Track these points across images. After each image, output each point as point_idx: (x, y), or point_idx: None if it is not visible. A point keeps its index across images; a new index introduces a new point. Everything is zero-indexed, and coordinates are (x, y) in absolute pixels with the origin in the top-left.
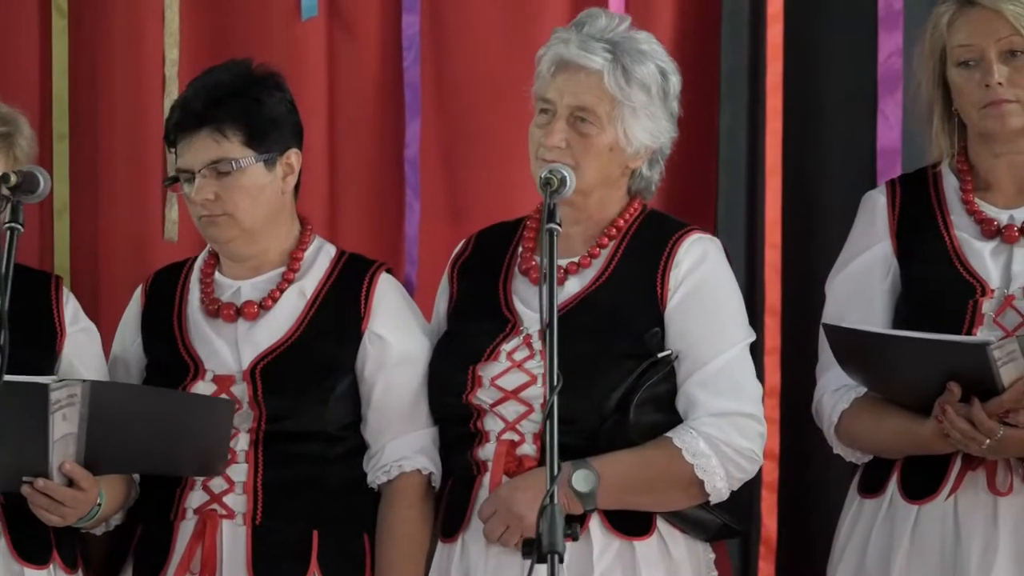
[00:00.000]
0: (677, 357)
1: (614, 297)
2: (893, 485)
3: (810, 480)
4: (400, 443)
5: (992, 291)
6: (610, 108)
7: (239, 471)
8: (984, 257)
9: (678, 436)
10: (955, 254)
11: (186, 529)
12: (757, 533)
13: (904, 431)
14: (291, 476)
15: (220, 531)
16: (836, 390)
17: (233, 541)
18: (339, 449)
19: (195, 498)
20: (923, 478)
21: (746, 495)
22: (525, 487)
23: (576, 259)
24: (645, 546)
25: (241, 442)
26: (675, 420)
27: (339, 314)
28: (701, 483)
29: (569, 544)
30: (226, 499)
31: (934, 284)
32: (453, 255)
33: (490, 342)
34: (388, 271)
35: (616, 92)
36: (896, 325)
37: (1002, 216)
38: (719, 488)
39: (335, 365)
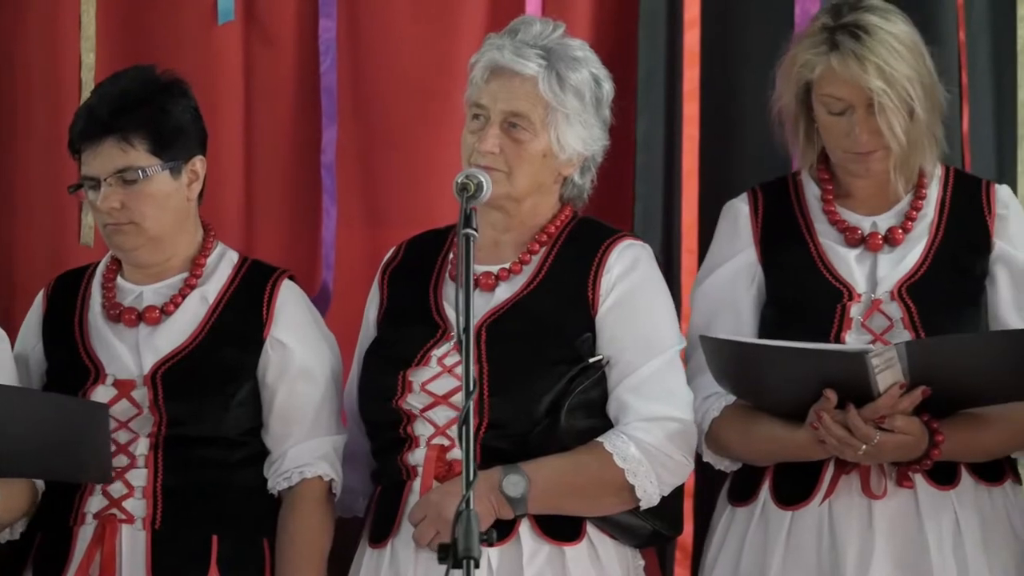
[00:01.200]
0: (608, 362)
1: (545, 303)
2: (765, 492)
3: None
4: (301, 449)
5: (859, 296)
6: (544, 114)
7: (139, 476)
8: (850, 263)
9: (609, 441)
10: (820, 260)
11: (85, 534)
12: (674, 539)
13: (776, 438)
14: (191, 481)
15: (120, 536)
16: (706, 398)
17: (132, 546)
18: (239, 454)
19: (95, 503)
20: (795, 484)
21: (678, 501)
22: (456, 492)
23: (507, 265)
24: (575, 551)
25: (141, 446)
26: (606, 425)
27: (241, 320)
28: (632, 488)
29: (499, 548)
30: (126, 504)
31: (801, 290)
32: (384, 261)
33: (421, 347)
34: (291, 278)
35: (550, 98)
36: (762, 332)
37: (864, 224)
38: (650, 493)
39: (236, 371)
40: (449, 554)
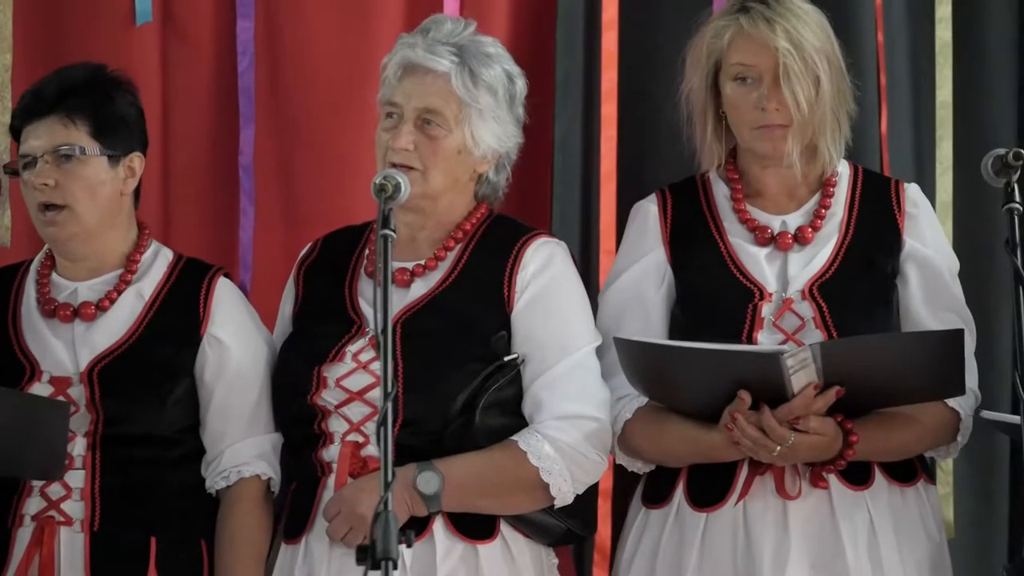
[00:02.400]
0: (523, 360)
1: (460, 300)
2: (679, 494)
3: None
4: (239, 448)
5: (770, 295)
6: (457, 110)
7: (76, 477)
8: (760, 262)
9: (523, 439)
10: (731, 260)
11: (23, 536)
12: (591, 540)
13: (690, 440)
14: (129, 482)
15: (58, 538)
16: (619, 399)
17: (71, 548)
18: (177, 453)
19: (32, 504)
20: (710, 486)
21: (592, 500)
22: (370, 488)
23: (422, 262)
24: (488, 549)
25: (78, 447)
26: (521, 423)
27: (177, 317)
28: (546, 486)
29: (413, 546)
30: (64, 506)
31: (712, 290)
32: (300, 257)
33: (336, 343)
34: (226, 275)
35: (463, 94)
36: (673, 332)
37: (774, 223)
38: (564, 492)
39: (173, 368)
40: (367, 555)
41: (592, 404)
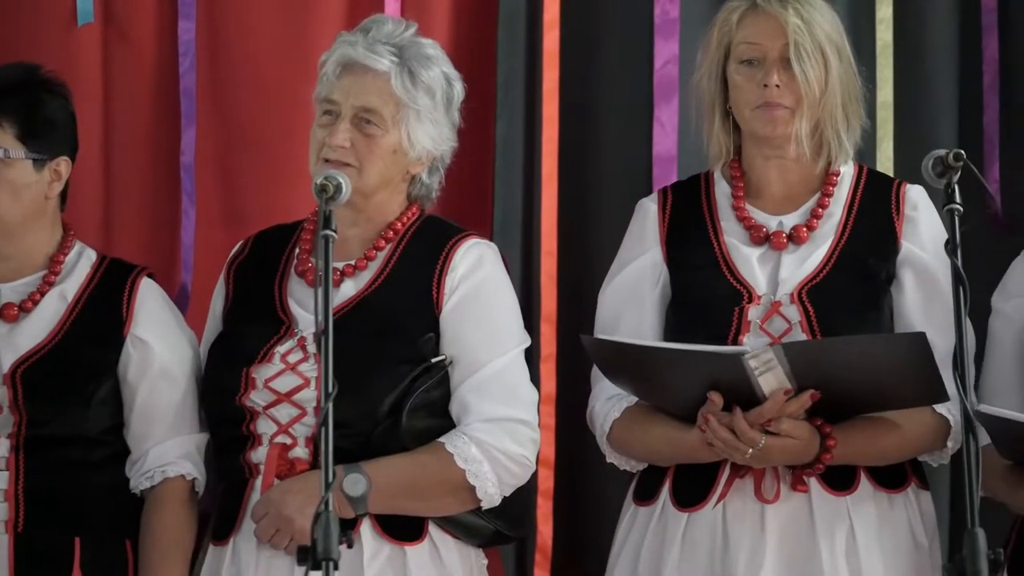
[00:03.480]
0: (451, 362)
1: (389, 301)
2: (665, 493)
3: (585, 487)
4: (163, 448)
5: (759, 297)
6: (395, 110)
7: (0, 478)
8: (752, 263)
9: (450, 441)
10: (723, 260)
11: None
12: (532, 540)
13: (672, 440)
14: (53, 482)
15: None
16: (609, 399)
17: None
18: (101, 454)
19: None
20: (693, 486)
21: (521, 501)
22: (296, 490)
23: (352, 261)
24: (416, 551)
25: (1, 448)
26: (448, 425)
27: (101, 318)
28: (473, 488)
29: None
30: None
31: (702, 291)
32: (230, 256)
33: (264, 344)
34: (150, 276)
35: (402, 94)
36: (666, 333)
37: (771, 222)
38: (491, 494)
39: (97, 369)
40: (308, 556)
41: (520, 406)
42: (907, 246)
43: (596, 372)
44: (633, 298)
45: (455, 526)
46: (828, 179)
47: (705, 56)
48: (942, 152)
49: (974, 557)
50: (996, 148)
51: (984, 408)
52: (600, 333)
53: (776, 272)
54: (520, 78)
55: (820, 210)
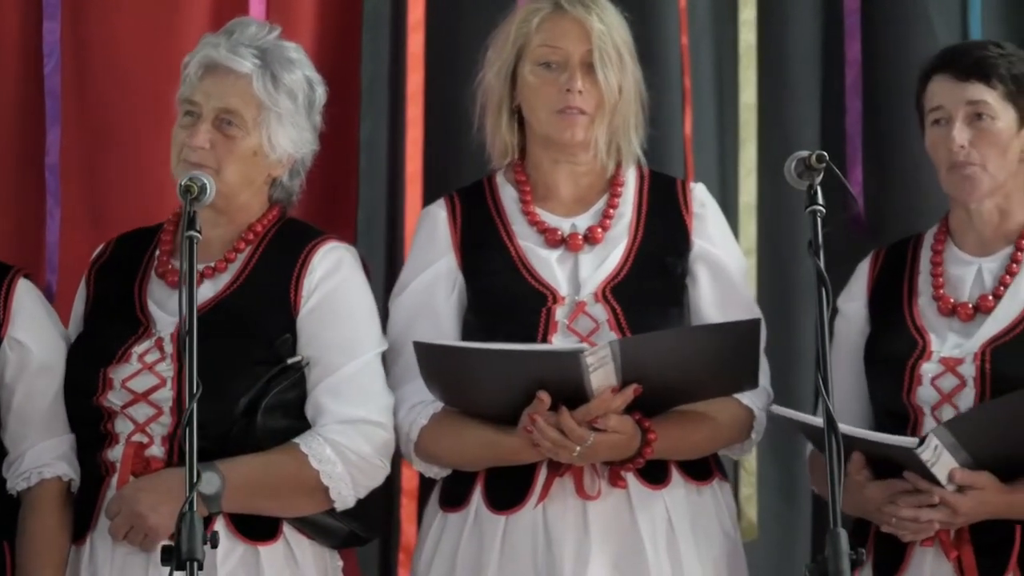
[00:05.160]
0: (308, 364)
1: (247, 303)
2: (477, 497)
3: None
4: (40, 449)
5: (563, 298)
6: (256, 113)
7: None
8: (551, 265)
9: (305, 442)
10: (521, 264)
11: None
12: (396, 540)
13: (490, 443)
14: None
15: None
16: (413, 406)
17: None
18: None
19: None
20: (508, 488)
21: (376, 503)
22: (149, 487)
23: (212, 263)
24: (270, 551)
25: None
26: (304, 426)
27: None
28: (327, 490)
29: None
30: None
31: (504, 295)
32: (92, 257)
33: (122, 344)
34: (26, 276)
35: (264, 97)
36: (466, 337)
37: (564, 225)
38: (345, 495)
39: None
40: (172, 556)
41: (375, 409)
42: (699, 243)
43: (394, 379)
44: (427, 306)
45: (310, 527)
46: (615, 181)
47: (497, 54)
48: (804, 154)
49: (836, 557)
50: (859, 150)
51: (776, 409)
52: (393, 341)
53: (576, 273)
54: (385, 80)
55: (611, 211)
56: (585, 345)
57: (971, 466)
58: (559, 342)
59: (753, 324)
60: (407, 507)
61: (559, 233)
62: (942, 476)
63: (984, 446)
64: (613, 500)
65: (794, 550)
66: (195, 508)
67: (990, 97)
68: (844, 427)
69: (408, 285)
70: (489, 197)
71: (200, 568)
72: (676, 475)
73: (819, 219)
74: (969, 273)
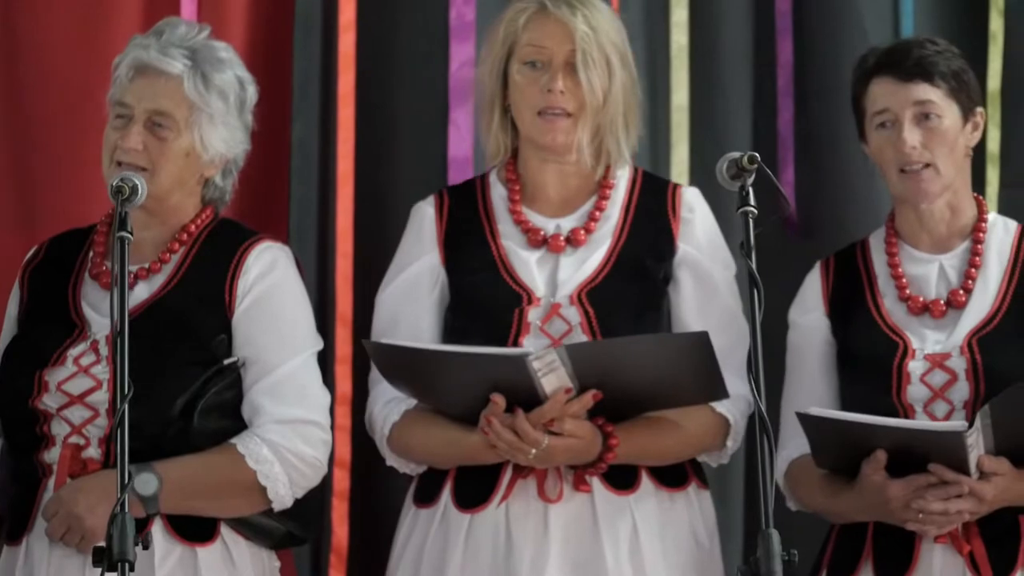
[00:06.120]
0: (244, 364)
1: (182, 303)
2: (447, 495)
3: (381, 488)
4: None
5: (538, 299)
6: (188, 114)
7: None
8: (530, 266)
9: (242, 442)
10: (501, 263)
11: None
12: (328, 542)
13: (453, 442)
14: None
15: None
16: (387, 402)
17: None
18: None
19: None
20: (475, 487)
21: (314, 503)
22: (87, 489)
23: (146, 264)
24: (208, 552)
25: None
26: (241, 427)
27: None
28: (264, 490)
29: None
30: None
31: (481, 293)
32: (25, 260)
33: (57, 347)
34: None
35: (195, 98)
36: (445, 335)
37: (548, 225)
38: (282, 495)
39: None
40: (103, 557)
41: (312, 408)
42: (684, 247)
43: (374, 375)
44: (411, 301)
45: (247, 527)
46: (605, 183)
47: (489, 52)
48: (736, 155)
49: (768, 558)
50: (790, 151)
51: (815, 411)
52: (378, 336)
53: (555, 274)
54: (316, 81)
55: (597, 213)
56: (530, 349)
57: (993, 453)
58: (530, 344)
59: (701, 337)
60: (338, 509)
61: (541, 234)
62: (974, 464)
63: (1012, 430)
64: (576, 504)
65: (726, 552)
66: (127, 509)
67: (935, 96)
68: (877, 419)
69: (393, 281)
70: (479, 195)
71: (132, 569)
72: (647, 481)
73: (751, 220)
74: (931, 271)
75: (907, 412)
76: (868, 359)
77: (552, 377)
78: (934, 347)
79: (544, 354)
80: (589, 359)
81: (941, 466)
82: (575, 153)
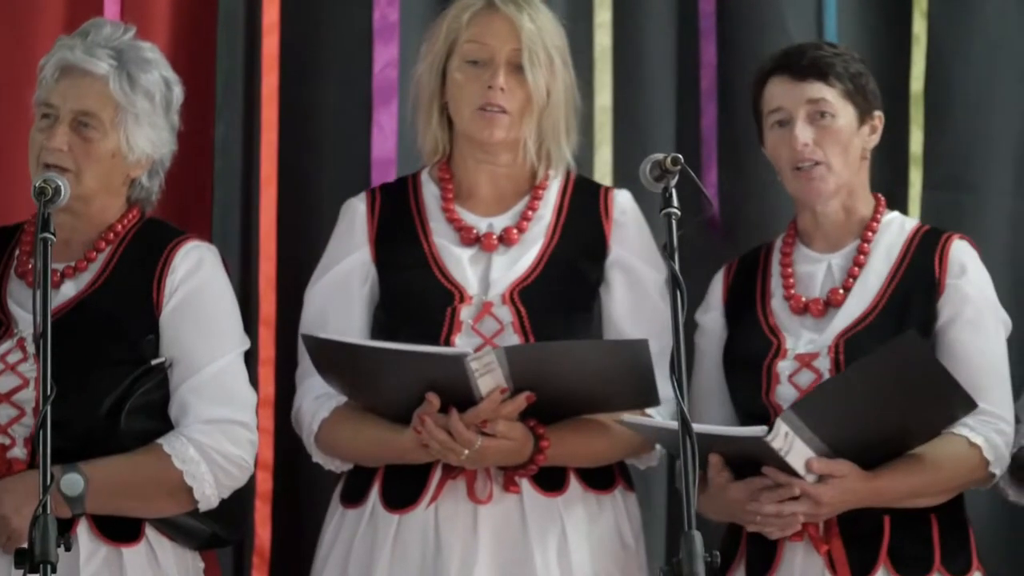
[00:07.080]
0: (171, 364)
1: (109, 302)
2: (375, 495)
3: (304, 490)
4: None
5: (470, 298)
6: (114, 114)
7: None
8: (463, 264)
9: (168, 442)
10: (433, 260)
11: None
12: (251, 543)
13: (383, 441)
14: None
15: None
16: (316, 398)
17: None
18: None
19: None
20: (404, 487)
21: (238, 504)
22: (12, 489)
23: (73, 263)
24: (133, 553)
25: None
26: (168, 427)
27: None
28: (190, 490)
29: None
30: None
31: (412, 291)
32: None
33: None
34: None
35: (120, 98)
36: (375, 332)
37: (481, 224)
38: (208, 495)
39: None
40: (25, 559)
41: (239, 408)
42: (616, 250)
43: (302, 371)
44: (340, 297)
45: (172, 528)
46: (539, 183)
47: (429, 50)
48: (660, 156)
49: (691, 559)
50: (714, 152)
51: (627, 418)
52: (306, 331)
53: (487, 273)
54: (239, 81)
55: (530, 212)
56: (468, 350)
57: (829, 455)
58: (461, 342)
59: (640, 344)
60: (261, 510)
61: (474, 232)
62: (799, 466)
63: (833, 429)
64: (505, 505)
65: (650, 553)
66: (49, 511)
67: (829, 95)
68: (696, 426)
69: (322, 277)
70: (411, 194)
71: (54, 571)
72: (574, 483)
73: (674, 222)
74: (819, 270)
75: (776, 413)
76: (744, 359)
77: (488, 378)
78: (807, 346)
79: (482, 355)
80: (527, 362)
81: (774, 469)
82: (515, 151)
